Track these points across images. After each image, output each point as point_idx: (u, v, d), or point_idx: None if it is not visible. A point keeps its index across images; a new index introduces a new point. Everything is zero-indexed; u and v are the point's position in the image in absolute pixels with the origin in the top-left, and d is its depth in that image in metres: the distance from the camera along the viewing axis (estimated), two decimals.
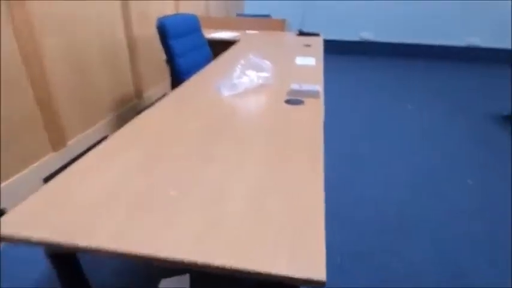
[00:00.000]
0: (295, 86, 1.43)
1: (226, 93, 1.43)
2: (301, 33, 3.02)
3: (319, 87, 1.46)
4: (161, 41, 1.97)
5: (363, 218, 1.78)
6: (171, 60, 1.99)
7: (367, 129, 2.88)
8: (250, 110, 1.30)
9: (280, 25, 3.37)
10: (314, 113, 1.25)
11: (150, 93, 3.12)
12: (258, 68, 1.52)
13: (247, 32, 3.28)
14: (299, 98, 1.38)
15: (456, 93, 3.82)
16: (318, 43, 2.68)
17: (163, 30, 1.93)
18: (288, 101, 1.35)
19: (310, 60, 2.07)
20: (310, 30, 3.11)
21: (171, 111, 1.27)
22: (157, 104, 1.33)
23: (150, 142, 1.02)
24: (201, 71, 1.77)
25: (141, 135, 1.07)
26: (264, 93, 1.45)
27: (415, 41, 5.33)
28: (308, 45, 2.59)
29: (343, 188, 2.03)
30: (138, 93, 2.91)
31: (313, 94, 1.40)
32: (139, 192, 0.77)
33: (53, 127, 1.96)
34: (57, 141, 2.02)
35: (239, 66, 1.49)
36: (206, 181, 0.82)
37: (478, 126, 2.92)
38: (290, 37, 3.01)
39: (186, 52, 2.06)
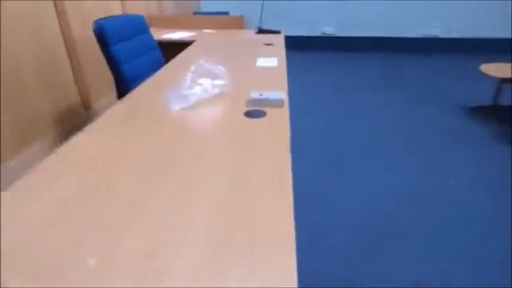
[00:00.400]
0: (255, 95, 1.26)
1: (176, 107, 1.22)
2: (261, 31, 2.85)
3: (283, 94, 1.29)
4: (100, 47, 1.71)
5: (342, 237, 1.63)
6: (114, 68, 1.74)
7: (336, 130, 2.77)
8: (203, 128, 1.11)
9: (239, 22, 3.18)
10: (278, 126, 1.08)
11: (101, 102, 2.81)
12: (212, 75, 1.33)
13: (204, 31, 3.06)
14: (260, 109, 1.20)
15: (421, 86, 3.83)
16: (279, 41, 2.52)
17: (102, 35, 1.68)
18: (247, 113, 1.17)
19: (271, 61, 1.91)
20: (271, 27, 2.94)
21: (108, 136, 1.04)
22: (91, 126, 1.11)
23: (74, 181, 0.80)
24: (147, 80, 1.54)
25: (64, 170, 0.85)
26: (220, 105, 1.26)
27: (375, 34, 5.35)
28: (269, 44, 2.42)
29: (316, 201, 1.88)
30: (86, 105, 2.61)
31: (276, 103, 1.23)
32: (49, 259, 0.56)
33: None
34: None
35: (189, 74, 1.29)
36: (140, 239, 0.62)
37: (449, 120, 2.89)
38: (249, 35, 2.83)
39: (131, 58, 1.82)
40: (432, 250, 1.54)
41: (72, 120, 2.42)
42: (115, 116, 1.20)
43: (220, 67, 1.38)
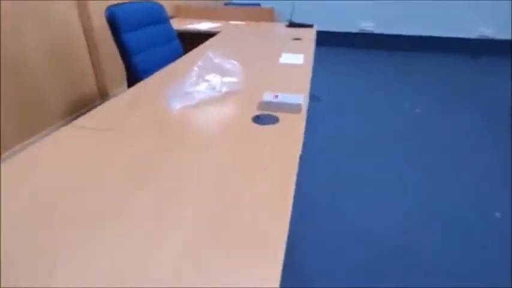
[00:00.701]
0: (268, 97, 1.08)
1: (177, 105, 1.08)
2: (292, 24, 2.65)
3: (302, 97, 1.11)
4: (112, 35, 1.61)
5: (358, 261, 1.43)
6: (125, 58, 1.64)
7: (365, 138, 2.53)
8: (201, 133, 0.95)
9: (269, 15, 3.00)
10: (290, 136, 0.91)
11: (119, 91, 2.75)
12: (222, 71, 1.18)
13: (231, 22, 2.91)
14: (272, 114, 1.03)
15: (471, 92, 3.44)
16: (309, 36, 2.32)
17: (114, 22, 1.58)
18: (256, 119, 1.01)
19: (297, 58, 1.72)
20: (304, 21, 2.73)
21: (94, 131, 0.92)
22: (82, 119, 0.99)
23: (44, 180, 0.70)
24: (156, 73, 1.41)
25: (37, 166, 0.75)
26: (227, 106, 1.11)
27: (420, 33, 4.95)
28: (298, 39, 2.23)
29: (333, 219, 1.68)
30: (103, 92, 2.56)
31: (292, 108, 1.05)
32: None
33: None
34: None
35: (195, 69, 1.14)
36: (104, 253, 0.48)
37: (497, 132, 2.54)
38: (278, 29, 2.64)
39: (145, 48, 1.71)
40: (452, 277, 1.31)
41: (87, 108, 2.37)
42: (110, 111, 1.08)
43: (234, 62, 1.22)
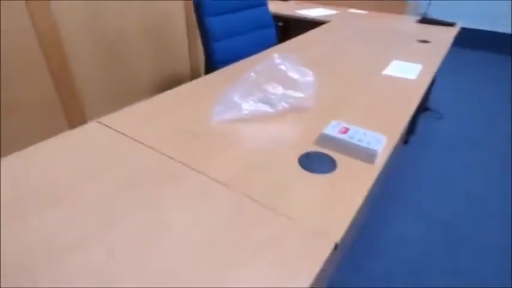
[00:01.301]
0: (332, 129, 0.80)
1: (219, 116, 0.90)
2: (424, 20, 2.15)
3: (384, 140, 0.78)
4: (196, 18, 1.52)
5: None
6: (205, 44, 1.54)
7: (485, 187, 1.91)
8: (225, 164, 0.74)
9: (400, 6, 2.51)
10: (337, 204, 0.63)
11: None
12: (286, 82, 0.94)
13: (349, 10, 2.55)
14: (330, 156, 0.76)
15: None
16: (444, 39, 1.82)
17: (199, 3, 1.47)
18: (304, 158, 0.75)
19: (411, 70, 1.33)
20: (446, 16, 2.18)
21: (115, 134, 0.82)
22: (112, 115, 0.92)
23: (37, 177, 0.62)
24: (218, 70, 1.26)
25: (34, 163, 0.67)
26: (278, 130, 0.87)
27: None
28: (425, 41, 1.77)
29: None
30: (195, 74, 2.59)
31: (362, 154, 0.75)
32: None
33: (72, 109, 1.79)
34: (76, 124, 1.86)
35: (252, 74, 0.93)
36: None
37: None
38: (405, 24, 2.17)
39: (227, 35, 1.57)
40: None
41: (176, 87, 2.44)
42: (146, 110, 0.97)
43: (307, 71, 0.96)
